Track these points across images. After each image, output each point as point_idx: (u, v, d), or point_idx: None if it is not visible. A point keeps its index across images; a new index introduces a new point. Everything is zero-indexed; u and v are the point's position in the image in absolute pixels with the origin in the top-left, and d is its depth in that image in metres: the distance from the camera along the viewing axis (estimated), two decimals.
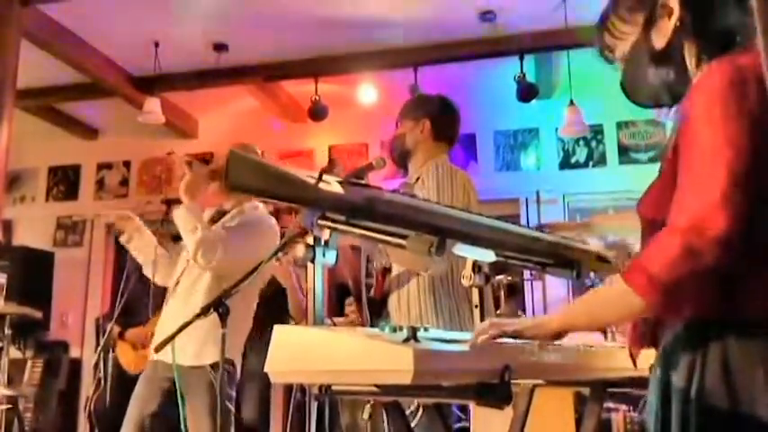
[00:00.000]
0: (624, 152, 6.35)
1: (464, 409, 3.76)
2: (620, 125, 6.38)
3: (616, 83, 1.56)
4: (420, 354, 1.27)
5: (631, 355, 1.48)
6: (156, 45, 5.78)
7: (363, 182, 1.69)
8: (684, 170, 1.27)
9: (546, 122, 6.47)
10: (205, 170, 3.18)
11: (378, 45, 5.78)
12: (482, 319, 2.12)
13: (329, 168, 1.63)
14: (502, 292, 3.18)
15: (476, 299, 2.17)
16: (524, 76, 5.66)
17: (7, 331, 5.13)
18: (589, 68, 5.47)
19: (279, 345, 1.43)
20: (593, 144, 6.42)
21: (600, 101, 5.74)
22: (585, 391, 2.33)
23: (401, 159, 3.28)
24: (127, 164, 7.54)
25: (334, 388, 1.63)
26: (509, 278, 3.07)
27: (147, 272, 3.37)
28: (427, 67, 5.82)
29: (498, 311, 3.18)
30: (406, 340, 1.35)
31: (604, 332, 2.42)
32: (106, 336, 4.60)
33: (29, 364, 6.41)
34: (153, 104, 6.04)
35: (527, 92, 5.71)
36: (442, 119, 3.25)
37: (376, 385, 1.45)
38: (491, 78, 6.12)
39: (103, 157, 7.59)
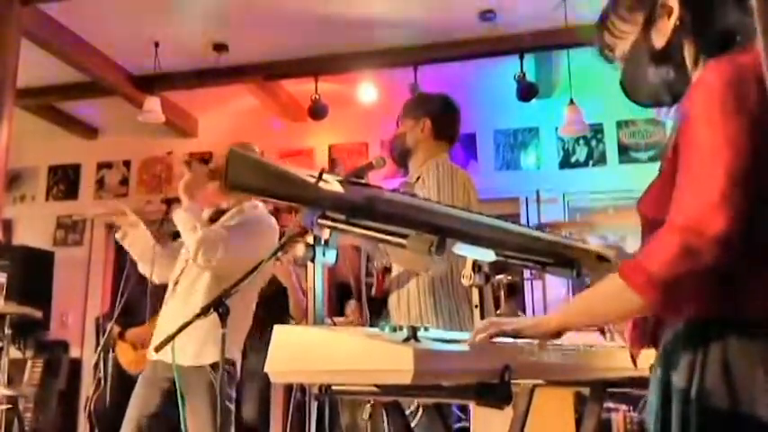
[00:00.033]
0: (624, 151, 6.35)
1: (464, 409, 3.76)
2: (620, 124, 6.38)
3: (616, 82, 1.55)
4: (420, 353, 1.27)
5: (631, 355, 1.48)
6: (156, 44, 5.78)
7: (363, 181, 1.69)
8: (683, 169, 1.26)
9: (546, 122, 6.47)
10: (204, 170, 3.17)
11: (378, 44, 5.78)
12: (482, 319, 2.12)
13: (331, 168, 1.63)
14: (502, 292, 3.18)
15: (476, 298, 2.17)
16: (524, 75, 5.67)
17: (7, 331, 5.13)
18: (589, 68, 5.47)
19: (279, 345, 1.42)
20: (593, 143, 6.42)
21: (600, 100, 5.74)
22: (585, 390, 2.32)
23: (401, 158, 3.28)
24: (127, 163, 7.54)
25: (334, 388, 1.63)
26: (509, 278, 3.06)
27: (143, 269, 3.35)
28: (427, 66, 5.83)
29: (498, 311, 3.17)
30: (406, 340, 1.34)
31: (602, 331, 2.42)
32: (106, 336, 4.61)
33: (29, 363, 6.41)
34: (153, 103, 6.04)
35: (527, 91, 5.72)
36: (442, 118, 3.25)
37: (376, 385, 1.44)
38: (491, 78, 6.12)
39: (103, 157, 7.59)
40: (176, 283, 3.19)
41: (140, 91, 6.23)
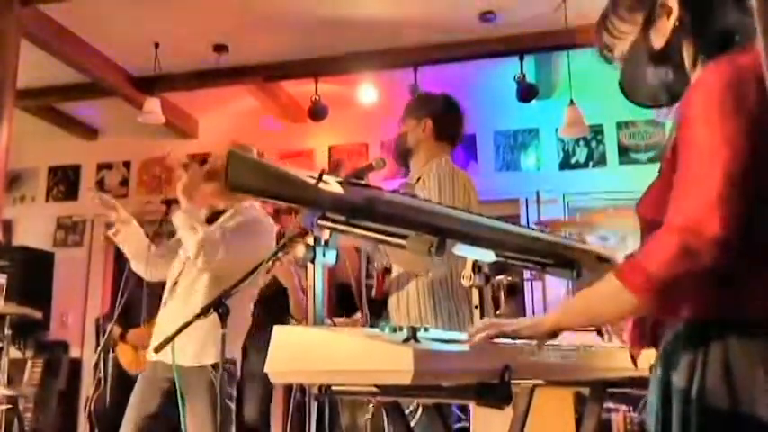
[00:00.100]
0: (624, 152, 6.35)
1: (464, 409, 3.76)
2: (620, 125, 6.38)
3: (616, 83, 1.56)
4: (420, 354, 1.27)
5: (631, 355, 1.48)
6: (156, 45, 5.78)
7: (363, 182, 1.69)
8: (682, 170, 1.27)
9: (546, 123, 6.47)
10: (201, 171, 3.16)
11: (378, 45, 5.78)
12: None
13: (334, 169, 1.64)
14: (502, 293, 3.18)
15: (475, 299, 2.17)
16: (524, 76, 5.66)
17: (7, 331, 5.13)
18: (589, 69, 5.47)
19: (279, 345, 1.43)
20: (593, 144, 6.42)
21: (600, 101, 5.73)
22: (585, 391, 2.33)
23: (403, 158, 3.28)
24: (127, 164, 7.54)
25: (333, 388, 1.63)
26: (509, 278, 3.06)
27: (137, 267, 3.32)
28: (427, 67, 5.82)
29: (498, 312, 3.17)
30: (406, 340, 1.35)
31: (600, 332, 2.42)
32: (106, 336, 4.60)
33: (29, 364, 6.41)
34: (153, 104, 6.03)
35: (527, 92, 5.72)
36: (444, 118, 3.25)
37: (376, 385, 1.45)
38: (491, 78, 6.12)
39: (103, 158, 7.59)
40: (175, 283, 3.18)
41: (140, 92, 6.22)
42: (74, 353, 6.98)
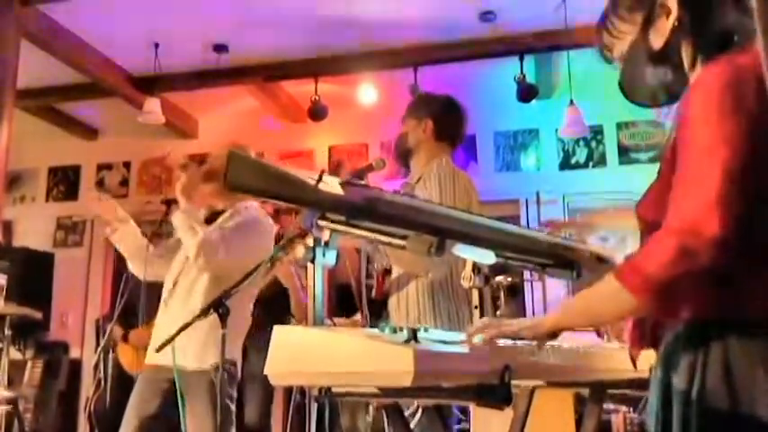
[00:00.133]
0: (624, 153, 6.35)
1: (464, 410, 3.75)
2: (620, 126, 6.38)
3: (616, 83, 1.56)
4: (420, 354, 1.27)
5: (631, 356, 1.48)
6: (156, 45, 5.78)
7: (363, 182, 1.69)
8: (681, 170, 1.26)
9: (546, 123, 6.47)
10: (200, 171, 3.16)
11: (378, 45, 5.78)
12: None
13: (335, 170, 1.64)
14: (501, 293, 3.17)
15: (475, 300, 2.17)
16: (524, 76, 5.66)
17: (7, 332, 5.12)
18: (589, 69, 5.48)
19: (278, 345, 1.42)
20: (593, 144, 6.42)
21: (600, 101, 5.74)
22: (585, 392, 2.32)
23: (403, 158, 3.28)
24: (127, 164, 7.54)
25: (334, 390, 1.63)
26: (509, 279, 3.06)
27: (133, 266, 3.31)
28: (427, 67, 5.82)
29: (498, 312, 3.17)
30: (407, 341, 1.34)
31: (599, 333, 2.42)
32: (106, 336, 4.60)
33: (29, 364, 6.40)
34: (153, 105, 6.04)
35: (527, 92, 5.72)
36: (444, 119, 3.25)
37: (376, 387, 1.44)
38: (491, 79, 6.12)
39: (103, 158, 7.59)
40: (174, 284, 3.17)
41: (140, 92, 6.23)
42: (74, 353, 6.98)
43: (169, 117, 6.36)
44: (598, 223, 2.25)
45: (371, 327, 1.85)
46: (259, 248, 3.07)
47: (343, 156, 6.88)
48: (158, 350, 2.53)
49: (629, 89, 1.54)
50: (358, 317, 3.57)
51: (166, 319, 3.08)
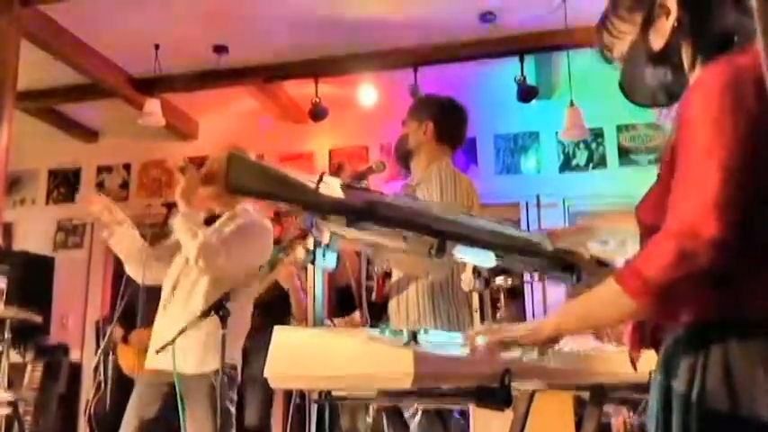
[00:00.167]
0: (624, 155, 6.35)
1: (464, 413, 3.75)
2: (620, 128, 6.38)
3: (616, 85, 1.55)
4: (420, 357, 1.27)
5: (631, 359, 1.48)
6: (157, 46, 5.77)
7: (363, 185, 1.69)
8: (680, 172, 1.26)
9: (546, 126, 6.47)
10: (198, 174, 3.14)
11: (378, 46, 5.78)
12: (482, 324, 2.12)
13: (335, 172, 1.64)
14: (501, 296, 3.17)
15: (475, 303, 2.17)
16: (524, 78, 5.66)
17: (7, 335, 5.11)
18: (589, 71, 5.47)
19: (278, 348, 1.42)
20: (594, 147, 6.42)
21: (600, 104, 5.72)
22: (585, 394, 2.32)
23: (403, 160, 3.28)
24: (127, 166, 7.53)
25: (333, 393, 1.62)
26: (509, 281, 3.06)
27: (130, 269, 3.28)
28: (427, 67, 5.82)
29: (498, 315, 3.17)
30: (407, 343, 1.34)
31: (598, 336, 2.41)
32: (106, 339, 4.59)
33: (29, 367, 6.39)
34: (153, 106, 6.03)
35: (527, 93, 5.72)
36: (445, 121, 3.24)
37: (377, 390, 1.44)
38: (491, 79, 6.12)
39: (103, 160, 7.57)
40: (174, 287, 3.16)
41: (140, 93, 6.22)
42: (74, 356, 6.96)
43: (169, 118, 6.35)
44: (598, 226, 2.25)
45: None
46: (258, 251, 3.07)
47: (344, 158, 6.87)
48: (159, 351, 2.53)
49: (629, 89, 1.54)
50: (356, 314, 3.57)
51: (165, 323, 3.07)
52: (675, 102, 1.42)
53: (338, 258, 1.66)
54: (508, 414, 1.60)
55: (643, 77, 1.48)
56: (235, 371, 3.12)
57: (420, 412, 2.83)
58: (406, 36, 5.62)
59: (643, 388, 1.45)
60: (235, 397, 3.13)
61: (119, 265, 3.35)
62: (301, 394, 3.76)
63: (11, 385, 5.50)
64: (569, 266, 2.10)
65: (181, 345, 2.49)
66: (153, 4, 5.24)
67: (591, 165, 6.41)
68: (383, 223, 1.64)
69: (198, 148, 6.99)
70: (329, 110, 6.15)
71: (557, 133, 6.27)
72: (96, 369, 5.40)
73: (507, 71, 5.75)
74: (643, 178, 1.44)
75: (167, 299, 3.15)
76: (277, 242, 3.21)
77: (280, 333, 1.43)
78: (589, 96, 5.77)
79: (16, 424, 5.34)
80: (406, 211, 1.70)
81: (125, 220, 3.26)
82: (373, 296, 3.26)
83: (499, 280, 2.17)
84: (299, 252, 1.66)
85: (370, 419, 3.30)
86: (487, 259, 1.95)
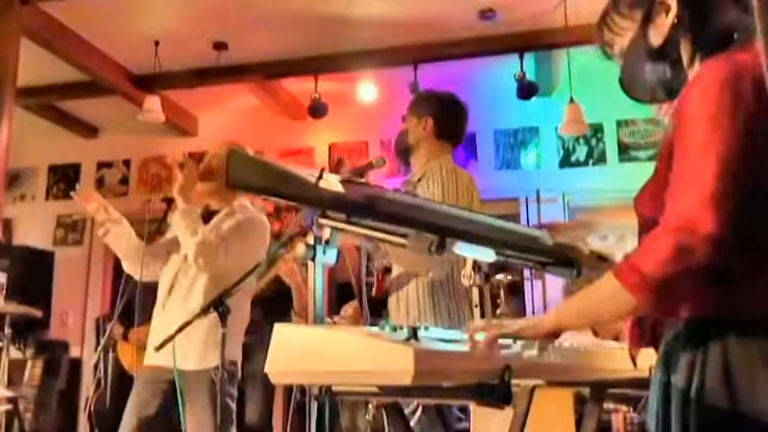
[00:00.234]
0: (624, 150, 6.35)
1: (464, 410, 3.75)
2: (620, 123, 6.37)
3: (616, 81, 1.56)
4: (420, 353, 1.27)
5: (631, 355, 1.48)
6: (156, 43, 5.77)
7: (363, 181, 1.69)
8: (678, 167, 1.26)
9: (546, 121, 6.46)
10: (197, 170, 3.14)
11: (378, 43, 5.77)
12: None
13: (336, 168, 1.63)
14: (502, 291, 3.17)
15: (476, 298, 2.17)
16: (524, 74, 5.66)
17: (7, 331, 5.12)
18: (589, 67, 5.47)
19: (279, 344, 1.42)
20: (594, 142, 6.41)
21: (600, 99, 5.72)
22: (585, 391, 2.32)
23: (403, 155, 3.28)
24: (127, 162, 7.53)
25: (334, 389, 1.62)
26: (509, 277, 3.06)
27: (127, 266, 3.28)
28: (427, 64, 5.82)
29: (498, 310, 3.17)
30: (407, 340, 1.34)
31: (595, 332, 2.42)
32: (106, 336, 4.59)
33: (29, 363, 6.39)
34: (153, 103, 6.03)
35: (527, 90, 5.71)
36: (445, 117, 3.24)
37: (377, 386, 1.44)
38: (491, 76, 6.12)
39: (103, 156, 7.57)
40: (172, 284, 3.15)
41: (140, 90, 6.22)
42: (74, 352, 6.97)
43: (169, 115, 6.35)
44: (598, 222, 2.25)
45: (371, 325, 1.84)
46: (257, 247, 3.07)
47: (344, 153, 6.87)
48: (158, 348, 2.52)
49: (628, 85, 1.54)
50: (354, 303, 3.56)
51: (164, 320, 3.06)
52: (674, 98, 1.42)
53: (338, 254, 1.66)
54: (508, 412, 1.59)
55: (642, 73, 1.48)
56: (235, 367, 3.12)
57: (420, 409, 2.83)
58: (407, 33, 5.61)
59: (644, 384, 1.45)
60: (235, 393, 3.13)
61: (118, 262, 3.35)
62: (302, 390, 3.77)
63: (11, 382, 5.51)
64: (569, 261, 2.10)
65: (181, 343, 2.49)
66: (153, 1, 5.23)
67: (591, 160, 6.41)
68: (383, 219, 1.63)
69: (197, 144, 6.98)
70: (329, 106, 6.15)
71: (556, 129, 6.26)
72: (96, 366, 5.40)
73: (507, 68, 5.75)
74: (643, 173, 1.44)
75: (165, 296, 3.14)
76: (277, 237, 3.21)
77: (280, 330, 1.43)
78: (589, 92, 5.77)
79: (16, 420, 5.35)
80: (407, 207, 1.70)
81: (120, 219, 3.24)
82: (373, 292, 3.26)
83: (499, 276, 2.18)
84: (300, 248, 1.66)
85: (369, 417, 3.30)
86: (487, 253, 1.95)
